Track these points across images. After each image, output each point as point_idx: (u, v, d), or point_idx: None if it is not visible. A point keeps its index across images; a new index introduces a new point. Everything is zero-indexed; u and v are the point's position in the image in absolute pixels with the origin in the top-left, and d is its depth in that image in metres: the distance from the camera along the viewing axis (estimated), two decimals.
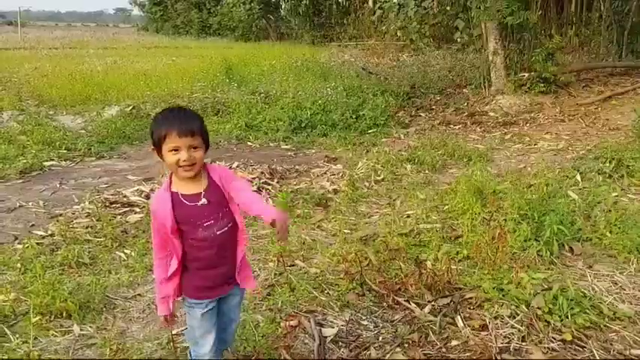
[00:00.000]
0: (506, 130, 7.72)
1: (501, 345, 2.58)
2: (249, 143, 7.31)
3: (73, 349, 2.60)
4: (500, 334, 2.65)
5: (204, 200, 1.98)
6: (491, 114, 8.67)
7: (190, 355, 2.26)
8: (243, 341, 2.63)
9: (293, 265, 3.52)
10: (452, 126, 8.14)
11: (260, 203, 2.00)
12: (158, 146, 1.93)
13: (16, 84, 10.84)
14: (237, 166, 5.88)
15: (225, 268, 2.08)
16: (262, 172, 5.58)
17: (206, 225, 1.99)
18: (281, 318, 2.86)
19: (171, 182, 2.00)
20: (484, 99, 9.39)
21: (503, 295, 2.92)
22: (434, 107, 9.58)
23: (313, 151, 6.96)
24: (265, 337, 2.67)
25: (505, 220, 3.66)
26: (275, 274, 3.37)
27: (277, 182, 5.40)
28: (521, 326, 2.70)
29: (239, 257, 2.12)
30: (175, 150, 1.89)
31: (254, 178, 5.35)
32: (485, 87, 9.62)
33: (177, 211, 1.96)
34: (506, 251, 3.29)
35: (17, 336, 2.66)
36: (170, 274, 2.04)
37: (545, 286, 2.98)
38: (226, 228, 2.04)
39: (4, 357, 2.49)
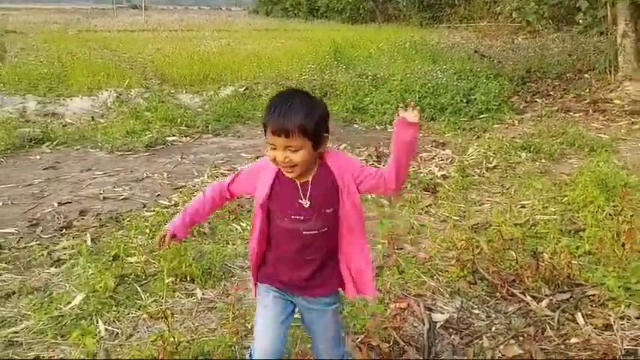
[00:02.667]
0: (633, 120, 7.10)
1: (628, 347, 2.42)
2: (355, 126, 7.35)
3: (196, 310, 2.80)
4: (627, 336, 2.49)
5: (306, 202, 1.72)
6: (617, 101, 8.01)
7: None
8: (353, 319, 2.68)
9: (401, 249, 3.52)
10: (572, 113, 7.64)
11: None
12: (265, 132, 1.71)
13: (141, 64, 11.67)
14: (344, 148, 5.95)
15: (306, 273, 1.79)
16: (369, 155, 5.61)
17: (293, 218, 1.74)
18: (390, 299, 2.88)
19: None
20: (609, 85, 8.70)
21: (630, 295, 2.73)
22: (551, 93, 9.03)
23: (421, 135, 6.85)
24: (374, 316, 2.70)
25: (633, 215, 3.40)
26: (383, 255, 3.39)
27: (384, 165, 5.39)
28: None
29: (344, 270, 1.83)
30: (273, 147, 1.66)
31: (361, 161, 5.40)
32: (610, 72, 8.90)
33: (275, 189, 1.75)
34: (635, 249, 3.06)
35: (148, 295, 2.91)
36: (251, 254, 1.84)
37: None
38: (316, 231, 1.75)
39: (139, 312, 2.74)
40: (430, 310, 2.80)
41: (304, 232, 1.74)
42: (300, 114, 1.62)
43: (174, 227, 1.88)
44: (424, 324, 2.64)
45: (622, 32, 8.58)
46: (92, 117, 7.37)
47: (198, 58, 11.15)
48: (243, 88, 8.72)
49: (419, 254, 3.44)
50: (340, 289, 1.89)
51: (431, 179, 4.86)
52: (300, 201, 1.72)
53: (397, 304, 2.81)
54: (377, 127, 7.29)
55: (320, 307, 1.85)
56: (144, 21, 23.21)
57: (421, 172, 5.07)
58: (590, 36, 11.56)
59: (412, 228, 3.85)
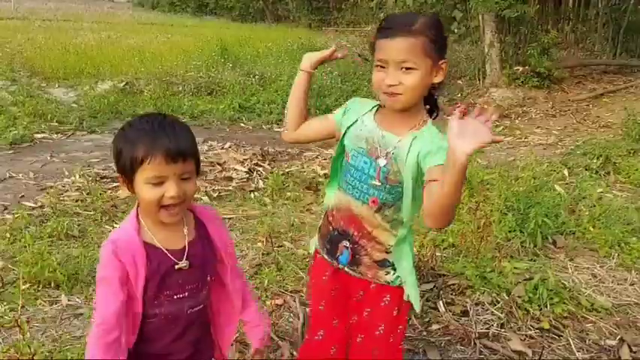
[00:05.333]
0: (498, 123, 7.76)
1: (481, 330, 2.65)
2: (242, 125, 7.32)
3: (60, 318, 2.63)
4: (481, 320, 2.72)
5: (184, 263, 1.39)
6: (484, 106, 8.71)
7: None
8: None
9: (281, 246, 3.57)
10: (445, 116, 8.15)
11: (257, 323, 1.59)
12: (129, 173, 1.32)
13: (9, 54, 10.70)
14: (229, 147, 5.90)
15: (184, 355, 1.47)
16: (254, 154, 5.61)
17: (176, 298, 1.39)
18: (267, 296, 2.91)
19: (139, 224, 1.38)
20: (478, 91, 9.44)
21: (485, 283, 2.99)
22: None
23: None
24: None
25: (491, 210, 3.71)
26: (263, 253, 3.42)
27: (269, 164, 5.43)
28: (501, 313, 2.77)
29: (223, 342, 1.58)
30: (158, 182, 1.31)
31: (246, 159, 5.38)
32: (479, 79, 9.66)
33: (149, 271, 1.36)
34: (490, 241, 3.35)
35: (5, 303, 2.69)
36: None
37: (527, 276, 3.05)
38: (202, 306, 1.46)
39: None
40: (306, 305, 2.86)
41: (189, 311, 1.42)
42: (187, 134, 1.35)
43: None
44: (299, 319, 2.70)
45: (489, 42, 9.35)
46: None
47: (74, 51, 10.47)
48: (123, 83, 8.33)
49: (298, 251, 3.50)
50: None
51: (313, 178, 4.97)
52: (177, 266, 1.38)
53: (273, 301, 2.85)
54: (263, 126, 7.31)
55: None
56: (13, 8, 21.28)
57: (304, 171, 5.16)
58: (463, 45, 12.42)
59: (292, 225, 3.91)
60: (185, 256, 1.39)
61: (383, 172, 1.58)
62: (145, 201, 1.32)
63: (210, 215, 1.51)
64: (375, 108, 1.67)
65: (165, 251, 1.37)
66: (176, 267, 1.38)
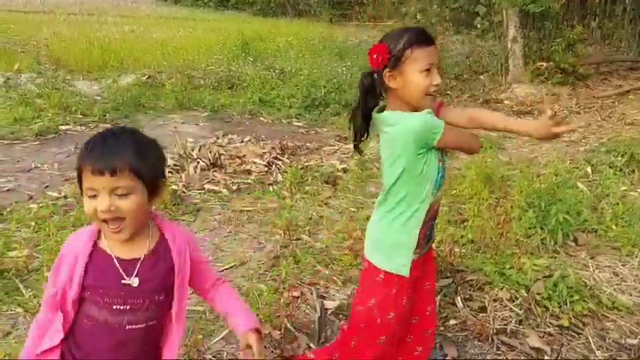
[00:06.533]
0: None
1: (499, 327, 2.63)
2: (261, 118, 7.34)
3: None
4: (499, 317, 2.71)
5: (134, 280, 1.36)
6: (507, 102, 8.61)
7: None
8: None
9: (299, 239, 3.59)
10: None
11: (244, 312, 1.56)
12: (80, 184, 1.34)
13: (35, 47, 10.89)
14: (248, 140, 5.94)
15: None
16: (273, 148, 5.63)
17: (115, 309, 1.36)
18: (284, 288, 2.93)
19: (99, 231, 1.38)
20: (500, 87, 9.32)
21: (504, 280, 2.97)
22: (449, 92, 9.52)
23: (325, 129, 6.98)
24: (268, 305, 2.73)
25: (511, 206, 3.68)
26: (281, 246, 3.44)
27: (287, 158, 5.45)
28: (520, 310, 2.75)
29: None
30: (92, 195, 1.30)
31: (265, 153, 5.41)
32: (502, 75, 9.53)
33: (92, 274, 1.35)
34: (510, 237, 3.33)
35: (29, 290, 2.76)
36: (47, 349, 1.38)
37: (547, 274, 3.02)
38: (143, 325, 1.40)
39: (17, 308, 2.58)
40: (323, 297, 2.88)
41: (127, 327, 1.38)
42: (131, 148, 1.32)
43: None
44: (316, 311, 2.71)
45: (512, 37, 9.22)
46: None
47: (98, 44, 10.59)
48: (146, 76, 8.42)
49: (315, 244, 3.52)
50: None
51: (332, 172, 4.97)
52: (126, 280, 1.36)
53: (291, 293, 2.87)
54: (282, 120, 7.32)
55: None
56: (39, 2, 21.65)
57: (322, 165, 5.17)
58: (486, 40, 12.26)
59: (310, 219, 3.93)
60: (136, 272, 1.37)
61: None
62: (86, 213, 1.34)
63: (176, 232, 1.46)
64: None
65: (115, 260, 1.37)
66: (122, 282, 1.36)
